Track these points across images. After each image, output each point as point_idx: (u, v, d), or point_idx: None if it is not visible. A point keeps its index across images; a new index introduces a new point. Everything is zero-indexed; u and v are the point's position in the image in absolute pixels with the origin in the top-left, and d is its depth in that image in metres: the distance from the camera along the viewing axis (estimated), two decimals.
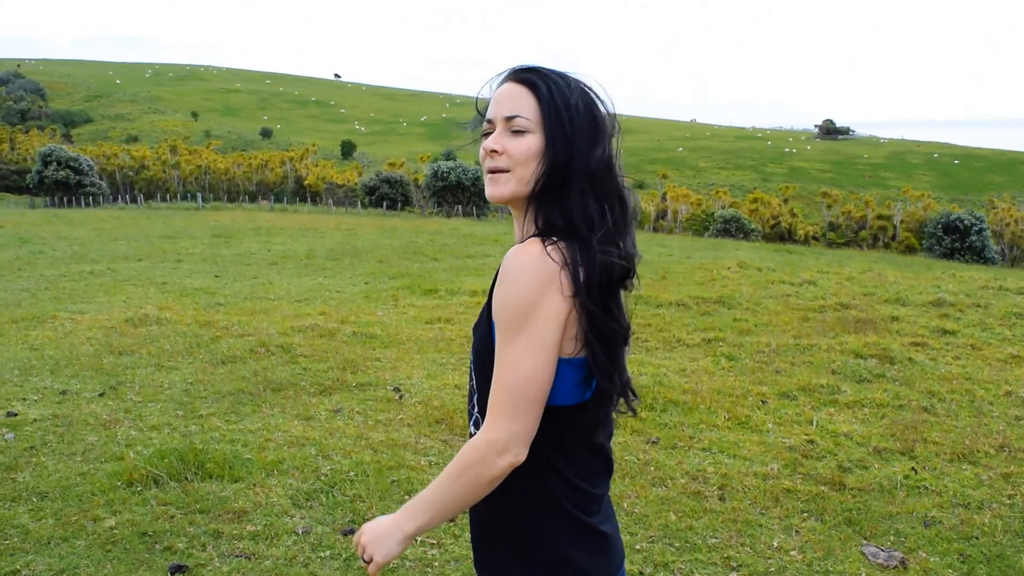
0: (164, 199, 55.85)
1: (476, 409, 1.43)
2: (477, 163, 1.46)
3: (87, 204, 46.98)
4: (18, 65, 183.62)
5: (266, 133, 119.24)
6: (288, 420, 4.92)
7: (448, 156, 63.64)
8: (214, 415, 4.99)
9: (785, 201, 56.59)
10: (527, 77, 1.37)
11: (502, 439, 1.27)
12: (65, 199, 47.55)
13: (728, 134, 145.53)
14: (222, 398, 5.35)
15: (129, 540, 3.28)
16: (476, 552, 1.46)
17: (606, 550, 1.41)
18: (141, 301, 9.34)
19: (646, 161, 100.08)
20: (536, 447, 1.31)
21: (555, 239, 1.30)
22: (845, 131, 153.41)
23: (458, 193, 42.51)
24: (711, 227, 40.00)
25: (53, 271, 12.55)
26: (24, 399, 5.25)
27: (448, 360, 6.64)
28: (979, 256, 30.31)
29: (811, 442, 4.68)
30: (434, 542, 3.35)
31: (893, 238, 45.53)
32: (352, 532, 3.41)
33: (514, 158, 1.35)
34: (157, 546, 3.25)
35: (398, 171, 56.58)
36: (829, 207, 55.34)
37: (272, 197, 56.21)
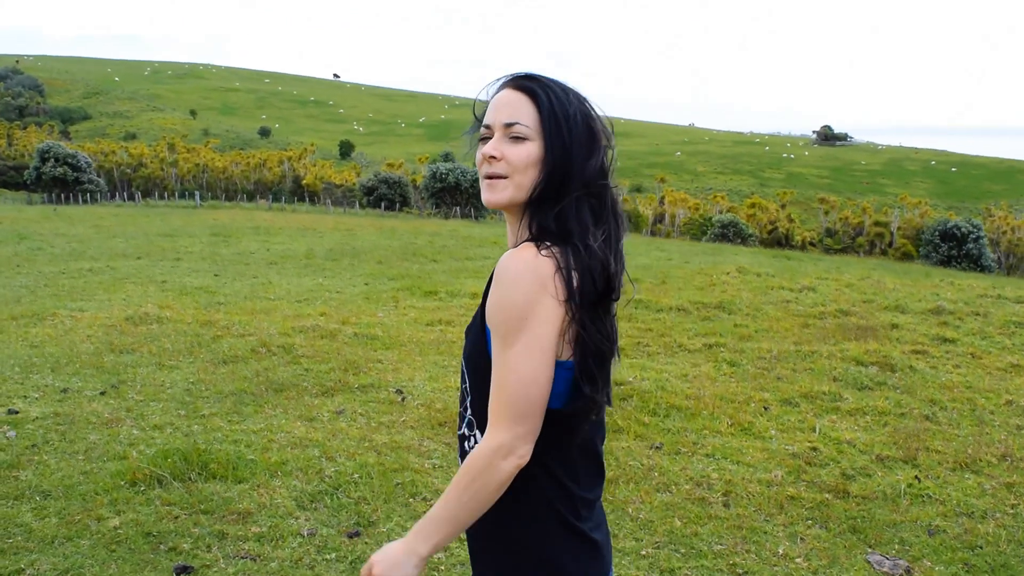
0: (162, 197, 55.80)
1: (469, 411, 1.43)
2: (475, 166, 1.46)
3: (85, 201, 46.87)
4: (16, 61, 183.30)
5: (264, 132, 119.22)
6: (291, 421, 4.91)
7: (446, 157, 63.65)
8: (216, 415, 4.97)
9: (783, 206, 56.74)
10: (526, 85, 1.38)
11: (506, 443, 1.27)
12: (63, 196, 47.45)
13: (726, 139, 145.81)
14: (224, 398, 5.34)
15: (134, 540, 3.27)
16: (471, 554, 1.47)
17: (596, 557, 1.42)
18: (141, 299, 9.32)
19: (644, 165, 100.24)
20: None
21: (548, 244, 1.31)
22: (843, 137, 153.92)
23: (456, 195, 42.50)
24: (709, 232, 40.07)
25: (52, 268, 12.52)
26: (25, 397, 5.24)
27: (449, 362, 6.63)
28: (976, 264, 30.38)
29: (814, 449, 4.68)
30: None
31: (890, 245, 45.65)
32: (357, 535, 3.40)
33: (512, 165, 1.36)
34: (162, 546, 3.24)
35: (396, 172, 56.61)
36: (827, 213, 55.48)
37: (270, 196, 56.16)
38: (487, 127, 1.40)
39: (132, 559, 3.13)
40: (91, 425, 4.68)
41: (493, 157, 1.37)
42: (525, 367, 1.27)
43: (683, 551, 3.40)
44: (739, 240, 36.48)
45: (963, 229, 31.67)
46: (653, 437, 4.83)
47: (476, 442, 1.41)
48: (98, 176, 53.59)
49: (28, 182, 51.46)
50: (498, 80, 1.42)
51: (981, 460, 4.60)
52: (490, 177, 1.38)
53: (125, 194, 56.82)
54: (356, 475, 4.05)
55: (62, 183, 48.48)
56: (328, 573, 3.11)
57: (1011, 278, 24.87)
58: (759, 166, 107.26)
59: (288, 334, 7.34)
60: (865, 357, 6.94)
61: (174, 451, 4.10)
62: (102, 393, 5.35)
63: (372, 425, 4.92)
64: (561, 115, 1.35)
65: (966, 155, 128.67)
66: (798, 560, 3.37)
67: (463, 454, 1.44)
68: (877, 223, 48.93)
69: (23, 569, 3.03)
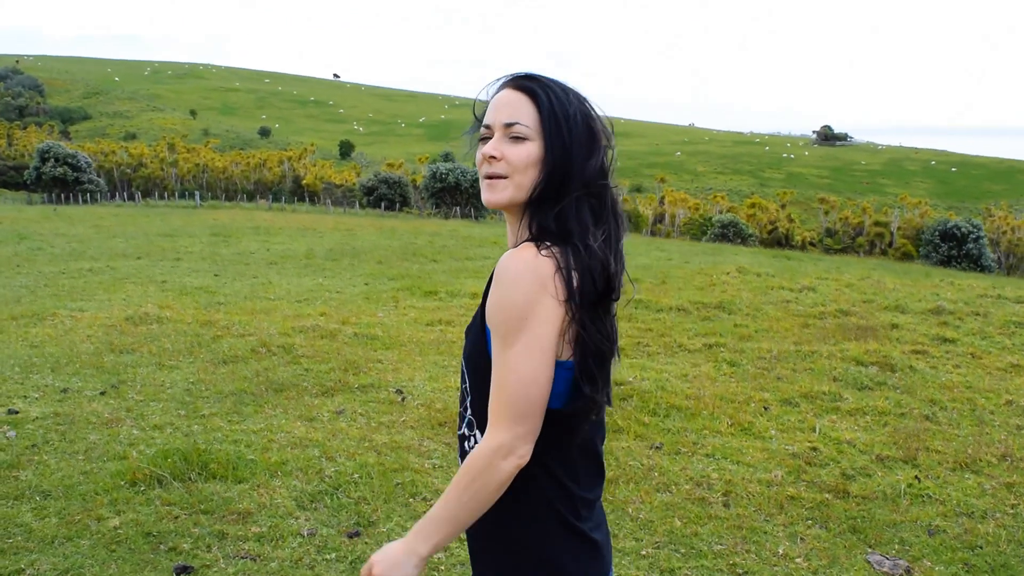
0: (162, 197, 55.80)
1: (469, 411, 1.43)
2: (475, 166, 1.46)
3: (85, 201, 46.88)
4: (16, 61, 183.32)
5: (264, 132, 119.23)
6: (291, 421, 4.91)
7: (446, 157, 63.65)
8: (216, 415, 4.97)
9: (783, 207, 56.76)
10: (527, 85, 1.38)
11: (506, 443, 1.27)
12: (63, 196, 47.46)
13: (726, 139, 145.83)
14: (224, 398, 5.34)
15: (134, 540, 3.27)
16: (471, 554, 1.47)
17: (596, 557, 1.42)
18: (141, 299, 9.32)
19: (644, 165, 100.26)
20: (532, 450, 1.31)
21: (548, 244, 1.31)
22: (843, 137, 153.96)
23: (456, 195, 42.50)
24: (709, 231, 40.08)
25: (52, 268, 12.52)
26: (25, 397, 5.24)
27: (450, 362, 6.63)
28: (976, 264, 30.38)
29: (814, 449, 4.68)
30: None
31: (890, 245, 45.67)
32: (357, 535, 3.40)
33: (513, 165, 1.36)
34: (162, 546, 3.24)
35: (396, 172, 56.61)
36: (826, 213, 55.50)
37: (270, 196, 56.17)
38: (487, 127, 1.40)
39: (132, 559, 3.13)
40: (91, 425, 4.68)
41: (493, 157, 1.37)
42: (525, 367, 1.26)
43: (683, 551, 3.41)
44: (739, 240, 36.49)
45: (963, 229, 31.68)
46: (653, 437, 4.83)
47: (476, 442, 1.41)
48: (98, 176, 53.60)
49: (28, 182, 51.47)
50: (498, 80, 1.42)
51: (981, 460, 4.60)
52: (490, 177, 1.38)
53: (125, 194, 56.83)
54: (356, 475, 4.05)
55: (62, 183, 48.49)
56: (328, 573, 3.11)
57: (1011, 278, 24.88)
58: (759, 166, 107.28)
59: (288, 334, 7.34)
60: (865, 357, 6.94)
61: (174, 451, 4.10)
62: (102, 393, 5.35)
63: (372, 425, 4.92)
64: (561, 115, 1.35)
65: (966, 155, 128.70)
66: (798, 560, 3.37)
67: (463, 454, 1.44)
68: (877, 223, 48.95)
69: (23, 569, 3.03)
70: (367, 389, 5.70)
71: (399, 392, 5.63)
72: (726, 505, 3.89)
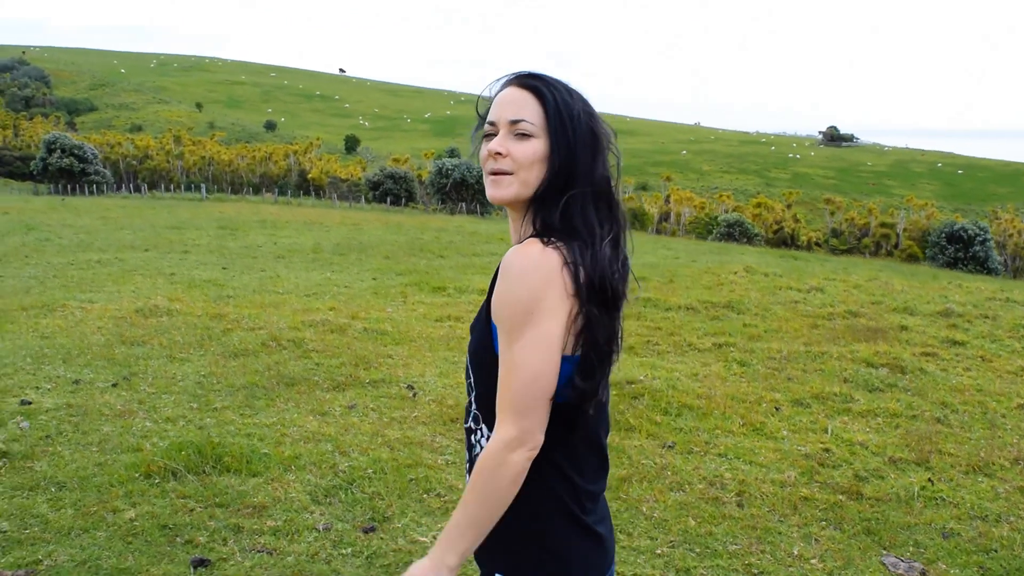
0: (168, 189, 55.86)
1: (475, 406, 1.44)
2: (480, 163, 1.47)
3: (91, 192, 46.96)
4: (23, 52, 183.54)
5: (270, 126, 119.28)
6: (303, 415, 4.92)
7: (452, 153, 63.62)
8: (229, 408, 4.98)
9: (788, 206, 56.63)
10: (532, 83, 1.39)
11: (515, 436, 1.28)
12: (69, 187, 47.53)
13: (732, 138, 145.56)
14: (236, 391, 5.35)
15: (150, 532, 3.28)
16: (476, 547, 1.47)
17: (600, 550, 1.42)
18: (150, 291, 9.34)
19: (650, 163, 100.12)
20: None
21: (553, 239, 1.31)
22: (849, 138, 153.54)
23: (462, 190, 42.53)
24: (714, 231, 40.04)
25: (60, 259, 12.54)
26: (37, 387, 5.25)
27: (460, 358, 6.63)
28: (982, 266, 30.34)
29: (827, 450, 4.68)
30: None
31: (896, 246, 45.58)
32: (373, 530, 3.40)
33: (518, 161, 1.36)
34: (178, 539, 3.25)
35: (402, 167, 56.58)
36: (832, 214, 55.38)
37: (276, 190, 56.23)
38: (491, 124, 1.40)
39: (149, 551, 3.14)
40: (104, 417, 4.69)
41: (499, 153, 1.37)
42: (531, 361, 1.27)
43: (698, 550, 3.40)
44: (745, 239, 36.45)
45: (970, 231, 31.63)
46: (665, 436, 4.83)
47: (482, 435, 1.42)
48: (104, 167, 53.69)
49: (35, 172, 51.59)
50: (502, 78, 1.43)
51: (994, 463, 4.59)
52: (495, 173, 1.39)
53: (131, 186, 56.93)
54: (370, 470, 4.06)
55: (68, 174, 48.60)
56: (344, 568, 3.12)
57: (1018, 281, 24.81)
58: (765, 166, 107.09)
59: (298, 328, 7.34)
60: (875, 359, 6.93)
61: (188, 444, 4.11)
62: (114, 385, 5.36)
63: (384, 420, 4.92)
64: (566, 114, 1.36)
65: (972, 157, 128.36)
66: (813, 561, 3.36)
67: (470, 447, 1.47)
68: (883, 224, 48.86)
69: (41, 560, 3.03)
70: (378, 384, 5.71)
71: (410, 388, 5.63)
72: (740, 505, 3.89)
